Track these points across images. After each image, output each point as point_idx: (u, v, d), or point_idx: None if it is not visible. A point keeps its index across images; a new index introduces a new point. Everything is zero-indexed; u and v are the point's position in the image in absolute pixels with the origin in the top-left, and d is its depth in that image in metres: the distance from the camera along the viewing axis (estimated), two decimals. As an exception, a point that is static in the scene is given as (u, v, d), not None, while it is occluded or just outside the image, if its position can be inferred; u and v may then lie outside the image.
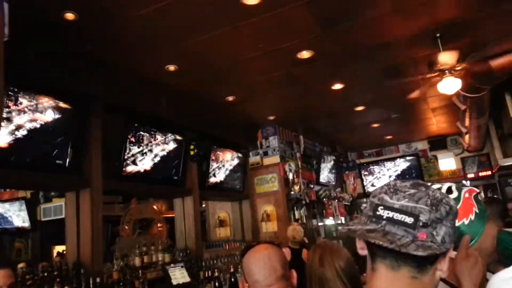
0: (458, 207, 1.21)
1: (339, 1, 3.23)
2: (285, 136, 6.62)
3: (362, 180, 9.19)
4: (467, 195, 1.27)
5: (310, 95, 5.33)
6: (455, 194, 1.25)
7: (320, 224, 7.30)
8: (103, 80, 3.85)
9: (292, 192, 6.41)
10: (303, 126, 6.78)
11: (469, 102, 5.06)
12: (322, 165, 7.56)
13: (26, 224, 6.49)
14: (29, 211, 6.47)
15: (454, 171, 8.57)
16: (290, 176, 6.46)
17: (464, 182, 8.13)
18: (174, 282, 4.14)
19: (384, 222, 0.79)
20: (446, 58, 3.82)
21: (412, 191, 0.81)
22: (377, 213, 0.81)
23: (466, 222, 1.21)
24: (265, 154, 6.31)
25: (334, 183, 8.24)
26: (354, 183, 9.14)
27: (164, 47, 3.64)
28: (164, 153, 4.54)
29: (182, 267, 4.40)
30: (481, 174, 8.37)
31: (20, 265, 4.63)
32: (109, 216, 5.78)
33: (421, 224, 0.77)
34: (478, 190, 1.32)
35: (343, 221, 8.34)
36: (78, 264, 3.42)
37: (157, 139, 4.45)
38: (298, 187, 6.57)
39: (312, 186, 7.14)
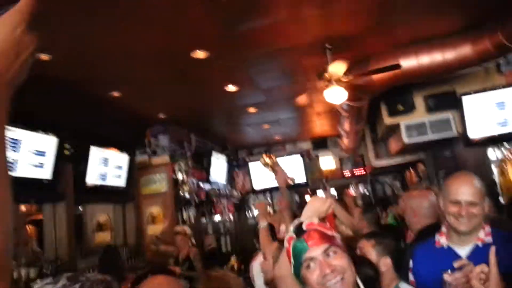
0: None
1: (240, 3, 3.10)
2: (176, 135, 6.32)
3: (250, 178, 9.32)
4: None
5: (204, 95, 5.13)
6: None
7: (208, 221, 7.23)
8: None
9: (182, 193, 6.16)
10: (195, 125, 6.56)
11: (350, 109, 5.42)
12: (213, 164, 7.44)
13: None
14: None
15: (333, 170, 9.22)
16: (180, 176, 6.19)
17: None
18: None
19: None
20: (336, 69, 3.97)
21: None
22: None
23: None
24: (154, 153, 5.92)
25: (225, 181, 8.20)
26: (243, 181, 9.23)
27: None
28: (32, 153, 3.90)
29: (51, 284, 3.84)
30: (356, 172, 9.18)
31: None
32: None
33: None
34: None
35: (231, 218, 8.39)
36: None
37: (24, 137, 3.80)
38: (187, 187, 6.34)
39: (202, 185, 6.98)
